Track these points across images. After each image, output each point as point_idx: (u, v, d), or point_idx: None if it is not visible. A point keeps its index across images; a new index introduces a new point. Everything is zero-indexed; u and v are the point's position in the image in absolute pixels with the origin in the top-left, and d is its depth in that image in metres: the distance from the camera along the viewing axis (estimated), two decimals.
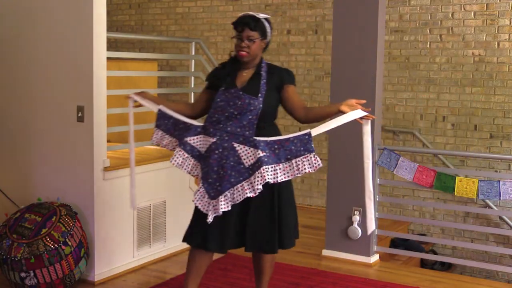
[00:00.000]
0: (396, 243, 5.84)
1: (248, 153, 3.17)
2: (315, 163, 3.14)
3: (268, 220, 3.29)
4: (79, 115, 4.16)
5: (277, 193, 3.31)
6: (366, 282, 4.37)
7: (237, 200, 3.15)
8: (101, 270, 4.28)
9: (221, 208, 3.14)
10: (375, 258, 4.84)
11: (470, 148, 6.09)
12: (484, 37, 5.99)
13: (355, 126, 4.68)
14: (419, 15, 6.27)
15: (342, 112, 3.20)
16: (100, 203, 4.22)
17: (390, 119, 6.46)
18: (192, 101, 5.42)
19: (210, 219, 3.16)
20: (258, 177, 3.10)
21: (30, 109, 4.43)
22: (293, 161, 3.15)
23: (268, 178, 3.10)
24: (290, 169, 3.16)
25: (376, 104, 4.70)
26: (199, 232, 3.29)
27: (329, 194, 4.95)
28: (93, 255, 4.20)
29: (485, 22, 5.98)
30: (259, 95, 3.22)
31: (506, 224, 5.96)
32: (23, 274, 3.83)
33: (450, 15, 6.13)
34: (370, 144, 3.26)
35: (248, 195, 3.12)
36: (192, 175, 3.31)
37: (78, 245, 3.98)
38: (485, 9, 5.97)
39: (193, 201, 3.23)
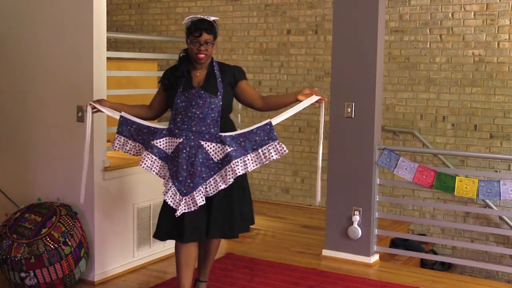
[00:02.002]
0: (396, 243, 5.84)
1: (216, 149, 3.37)
2: (280, 150, 3.39)
3: (228, 208, 3.47)
4: (79, 115, 4.16)
5: (238, 185, 3.48)
6: (366, 282, 4.37)
7: (211, 193, 3.36)
8: (101, 270, 4.28)
9: (199, 202, 3.31)
10: (375, 258, 4.84)
11: (470, 148, 6.09)
12: (484, 37, 5.99)
13: (355, 126, 4.71)
14: (419, 15, 6.27)
15: (299, 101, 3.46)
16: (100, 203, 4.22)
17: (390, 119, 6.46)
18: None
19: (178, 213, 3.32)
20: (229, 171, 3.32)
21: (30, 109, 4.43)
22: (259, 150, 3.39)
23: (239, 171, 3.33)
24: (258, 158, 3.40)
25: (376, 104, 4.70)
26: (171, 227, 3.45)
27: (329, 194, 4.95)
28: (93, 255, 4.20)
29: (485, 22, 5.98)
30: (218, 93, 3.39)
31: (506, 224, 5.96)
32: (23, 274, 3.83)
33: (450, 15, 6.13)
34: (323, 123, 3.55)
35: (221, 187, 3.34)
36: (159, 176, 3.45)
37: (78, 245, 3.98)
38: (485, 9, 5.97)
39: (164, 200, 3.38)
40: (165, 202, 3.44)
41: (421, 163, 5.82)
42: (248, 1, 7.18)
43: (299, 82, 6.90)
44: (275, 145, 3.39)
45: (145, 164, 3.42)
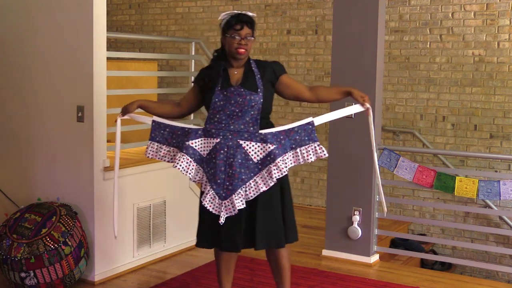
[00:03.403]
0: (396, 243, 5.85)
1: (256, 148, 3.19)
2: (320, 152, 3.24)
3: (274, 215, 3.29)
4: (79, 115, 4.16)
5: (280, 188, 3.32)
6: (366, 282, 4.37)
7: (251, 196, 3.17)
8: (101, 270, 4.28)
9: (238, 206, 3.14)
10: (375, 258, 4.84)
11: (470, 148, 6.09)
12: (484, 37, 5.99)
13: (355, 126, 4.70)
14: (419, 15, 6.27)
15: (351, 95, 3.33)
16: (100, 203, 4.22)
17: (390, 119, 6.46)
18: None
19: (222, 220, 3.17)
20: (274, 170, 3.14)
21: (30, 109, 4.43)
22: (298, 150, 3.23)
23: (285, 170, 3.15)
24: (295, 157, 3.23)
25: (376, 104, 4.70)
26: (211, 234, 3.30)
27: (329, 194, 4.95)
28: (93, 255, 4.20)
29: (485, 22, 5.98)
30: (258, 90, 3.24)
31: (506, 224, 5.96)
32: (23, 274, 3.83)
33: (450, 15, 6.13)
34: (373, 135, 3.47)
35: (262, 189, 3.16)
36: (194, 181, 3.26)
37: (78, 245, 3.98)
38: (485, 9, 5.97)
39: (203, 205, 3.20)
40: (200, 207, 3.30)
41: (421, 163, 5.82)
42: (248, 1, 7.18)
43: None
44: (315, 147, 3.24)
45: (180, 165, 3.20)
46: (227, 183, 3.16)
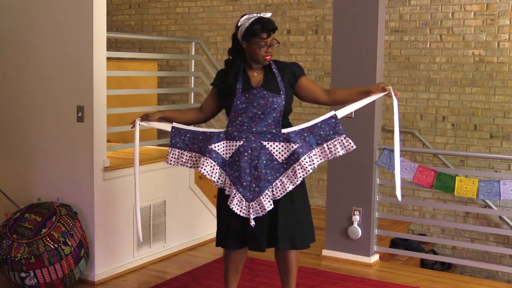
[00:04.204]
0: (396, 243, 5.85)
1: (280, 148, 3.18)
2: (347, 145, 3.20)
3: (297, 215, 3.29)
4: (79, 115, 4.16)
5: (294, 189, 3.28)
6: (366, 282, 4.37)
7: (278, 196, 3.17)
8: (101, 270, 4.28)
9: (267, 207, 3.14)
10: (375, 258, 4.84)
11: (470, 148, 6.09)
12: (484, 37, 5.99)
13: (355, 126, 4.70)
14: (419, 15, 6.27)
15: (371, 93, 3.26)
16: (100, 203, 4.22)
17: (390, 119, 6.45)
18: (195, 103, 5.42)
19: (253, 222, 3.17)
20: (298, 169, 3.13)
21: (30, 109, 4.43)
22: (325, 145, 3.20)
23: (309, 169, 3.14)
24: (323, 153, 3.20)
25: (376, 104, 4.70)
26: (237, 235, 3.29)
27: (329, 194, 4.95)
28: (93, 255, 4.20)
29: (485, 22, 5.98)
30: (281, 92, 3.22)
31: (506, 224, 5.96)
32: (23, 274, 3.83)
33: (450, 15, 6.13)
34: (398, 117, 3.25)
35: (289, 189, 3.15)
36: (218, 185, 3.24)
37: (78, 245, 3.98)
38: (485, 9, 5.97)
39: (231, 208, 3.18)
40: (222, 208, 3.31)
41: (421, 163, 5.82)
42: (248, 1, 7.18)
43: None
44: (342, 140, 3.19)
45: (204, 169, 3.17)
46: (253, 185, 3.16)
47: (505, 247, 5.79)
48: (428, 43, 6.24)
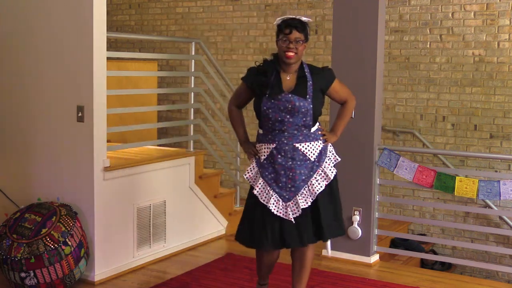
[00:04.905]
0: (396, 243, 5.84)
1: (311, 147, 3.35)
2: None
3: (333, 206, 3.46)
4: (79, 115, 4.16)
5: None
6: (366, 282, 4.37)
7: (316, 192, 3.31)
8: (101, 270, 4.28)
9: (302, 206, 3.28)
10: (375, 258, 4.84)
11: (470, 148, 6.09)
12: (484, 37, 5.99)
13: (355, 126, 4.70)
14: (419, 15, 6.27)
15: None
16: (100, 203, 4.22)
17: (390, 119, 6.46)
18: (195, 103, 5.42)
19: (293, 221, 3.29)
20: (331, 160, 3.42)
21: (30, 109, 4.43)
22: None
23: (338, 158, 3.49)
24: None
25: (376, 104, 4.70)
26: (271, 235, 3.35)
27: None
28: (93, 255, 4.20)
29: (485, 22, 5.98)
30: (307, 96, 3.30)
31: (506, 224, 5.96)
32: (23, 274, 3.83)
33: (450, 15, 6.13)
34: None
35: (325, 184, 3.34)
36: (252, 184, 3.40)
37: (78, 245, 3.98)
38: (485, 9, 5.97)
39: (268, 208, 3.28)
40: (247, 207, 3.41)
41: (421, 163, 5.82)
42: (248, 1, 7.18)
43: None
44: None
45: (248, 175, 3.42)
46: (289, 186, 3.30)
47: (505, 247, 5.79)
48: (428, 43, 6.24)
